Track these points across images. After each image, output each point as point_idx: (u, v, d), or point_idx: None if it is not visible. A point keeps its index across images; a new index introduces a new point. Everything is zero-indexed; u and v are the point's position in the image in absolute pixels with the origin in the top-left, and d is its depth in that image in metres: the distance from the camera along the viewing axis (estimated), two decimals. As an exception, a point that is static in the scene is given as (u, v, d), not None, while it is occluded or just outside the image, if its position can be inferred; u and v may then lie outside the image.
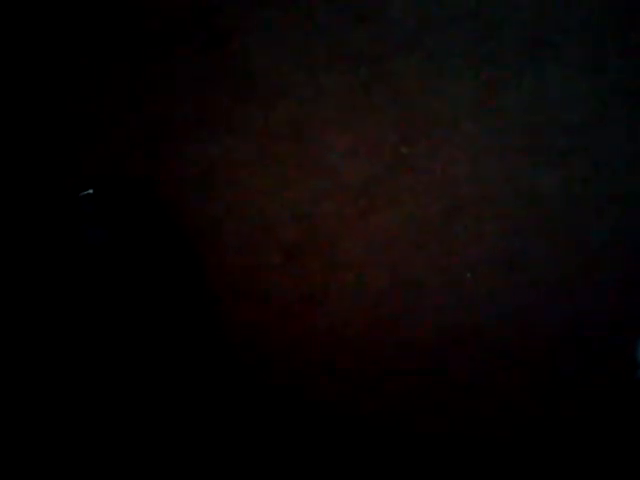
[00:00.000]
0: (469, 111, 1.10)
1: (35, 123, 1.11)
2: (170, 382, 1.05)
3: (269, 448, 1.11)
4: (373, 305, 1.10)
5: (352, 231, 1.11)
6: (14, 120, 1.11)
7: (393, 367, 1.10)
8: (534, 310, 1.07)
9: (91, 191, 0.96)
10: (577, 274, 1.07)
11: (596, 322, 1.06)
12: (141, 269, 0.96)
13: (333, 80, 1.10)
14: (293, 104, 1.11)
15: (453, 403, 1.09)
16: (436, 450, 1.09)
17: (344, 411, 1.11)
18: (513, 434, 1.07)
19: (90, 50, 1.11)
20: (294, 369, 1.11)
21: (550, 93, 1.09)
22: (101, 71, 1.11)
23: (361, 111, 1.10)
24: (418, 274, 1.10)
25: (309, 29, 1.09)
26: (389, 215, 1.10)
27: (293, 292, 1.11)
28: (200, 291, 1.09)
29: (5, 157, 1.11)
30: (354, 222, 1.11)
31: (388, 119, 1.10)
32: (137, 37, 1.10)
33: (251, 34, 1.10)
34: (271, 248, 1.11)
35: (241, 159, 1.11)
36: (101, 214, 0.93)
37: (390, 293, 1.10)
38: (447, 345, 1.09)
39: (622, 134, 1.06)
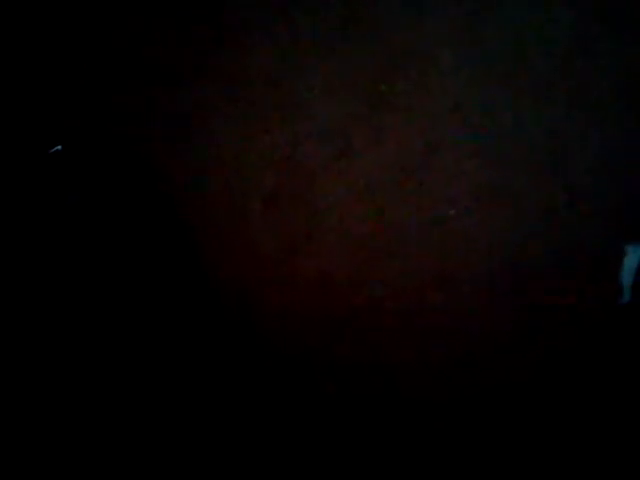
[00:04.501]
0: (449, 42, 1.06)
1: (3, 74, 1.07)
2: (158, 338, 1.06)
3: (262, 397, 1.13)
4: (357, 248, 1.10)
5: (332, 174, 1.09)
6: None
7: (378, 307, 1.11)
8: (519, 243, 1.07)
9: (60, 147, 0.93)
10: (561, 205, 1.06)
11: (581, 250, 1.06)
12: (118, 226, 0.94)
13: (309, 21, 1.05)
14: (268, 46, 1.06)
15: (435, 343, 1.11)
16: (414, 395, 1.12)
17: (333, 353, 1.13)
18: (499, 370, 1.10)
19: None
20: (282, 314, 1.12)
21: (533, 20, 1.04)
22: (75, 17, 1.05)
23: (338, 51, 1.06)
24: (401, 214, 1.09)
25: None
26: (369, 156, 1.08)
27: (275, 238, 1.10)
28: (183, 243, 1.08)
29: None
30: (334, 164, 1.09)
31: (366, 57, 1.06)
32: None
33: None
34: (250, 194, 1.10)
35: (215, 106, 1.08)
36: (72, 172, 0.91)
37: (373, 235, 1.09)
38: (431, 283, 1.10)
39: (606, 62, 1.02)
